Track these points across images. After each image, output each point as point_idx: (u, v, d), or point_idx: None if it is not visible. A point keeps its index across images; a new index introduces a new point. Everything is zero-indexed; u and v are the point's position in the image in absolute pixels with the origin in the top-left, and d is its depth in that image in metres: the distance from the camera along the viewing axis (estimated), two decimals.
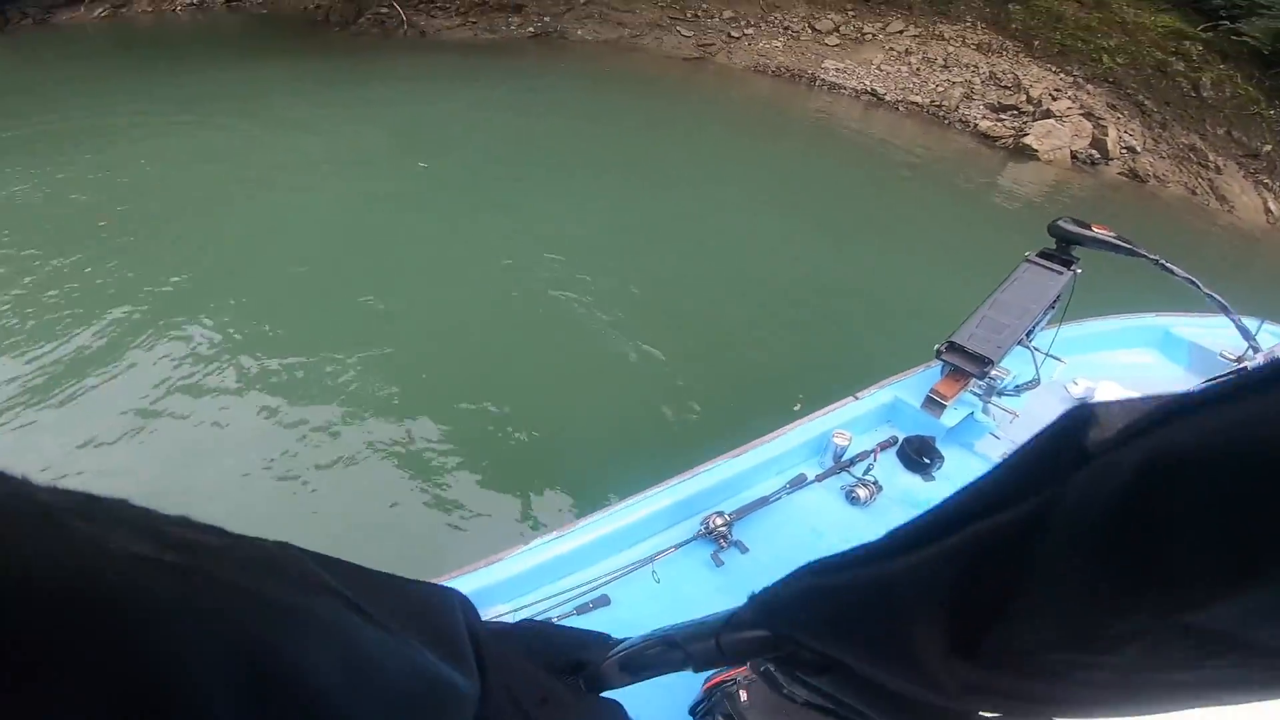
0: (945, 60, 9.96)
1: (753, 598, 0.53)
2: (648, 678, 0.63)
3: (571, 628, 0.72)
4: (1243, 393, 0.24)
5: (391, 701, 0.38)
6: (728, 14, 11.13)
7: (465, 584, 1.53)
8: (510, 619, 1.50)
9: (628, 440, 3.46)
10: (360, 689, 0.35)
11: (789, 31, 10.85)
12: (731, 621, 0.56)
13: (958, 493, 0.33)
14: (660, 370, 3.99)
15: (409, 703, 0.41)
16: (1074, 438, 0.29)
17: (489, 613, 1.52)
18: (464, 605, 0.55)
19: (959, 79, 9.72)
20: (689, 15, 11.15)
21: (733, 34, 10.88)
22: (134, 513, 0.28)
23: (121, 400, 3.47)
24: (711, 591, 1.65)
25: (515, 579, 1.59)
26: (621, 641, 0.64)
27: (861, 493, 1.83)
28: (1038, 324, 2.05)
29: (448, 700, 0.45)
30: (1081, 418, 0.29)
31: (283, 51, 9.45)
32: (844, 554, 0.40)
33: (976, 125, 9.06)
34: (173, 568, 0.27)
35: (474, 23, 10.98)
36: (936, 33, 10.32)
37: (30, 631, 0.21)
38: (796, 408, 3.14)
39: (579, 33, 10.94)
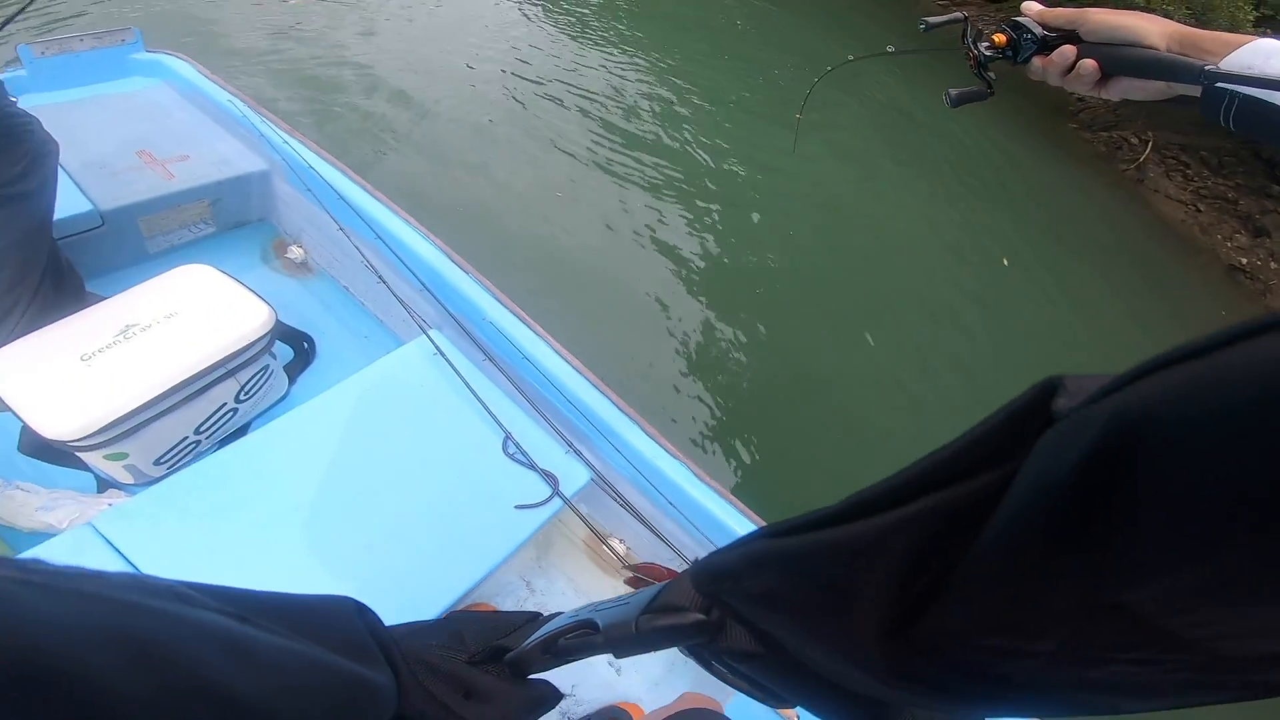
0: None
1: (695, 563, 0.49)
2: (574, 660, 0.58)
3: (501, 613, 0.71)
4: (1217, 346, 0.22)
5: (307, 700, 0.40)
6: None
7: None
8: None
9: None
10: (267, 689, 0.36)
11: None
12: (655, 604, 0.50)
13: (921, 460, 0.32)
14: None
15: (328, 702, 0.42)
16: (1041, 405, 0.28)
17: None
18: (361, 610, 0.55)
19: None
20: None
21: None
22: None
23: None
24: None
25: None
26: (552, 618, 0.61)
27: None
28: None
29: (363, 697, 0.46)
30: (1050, 387, 0.28)
31: (1012, 107, 9.74)
32: (802, 516, 0.38)
33: None
34: (41, 587, 0.29)
35: (1199, 211, 9.45)
36: None
37: None
38: None
39: None
